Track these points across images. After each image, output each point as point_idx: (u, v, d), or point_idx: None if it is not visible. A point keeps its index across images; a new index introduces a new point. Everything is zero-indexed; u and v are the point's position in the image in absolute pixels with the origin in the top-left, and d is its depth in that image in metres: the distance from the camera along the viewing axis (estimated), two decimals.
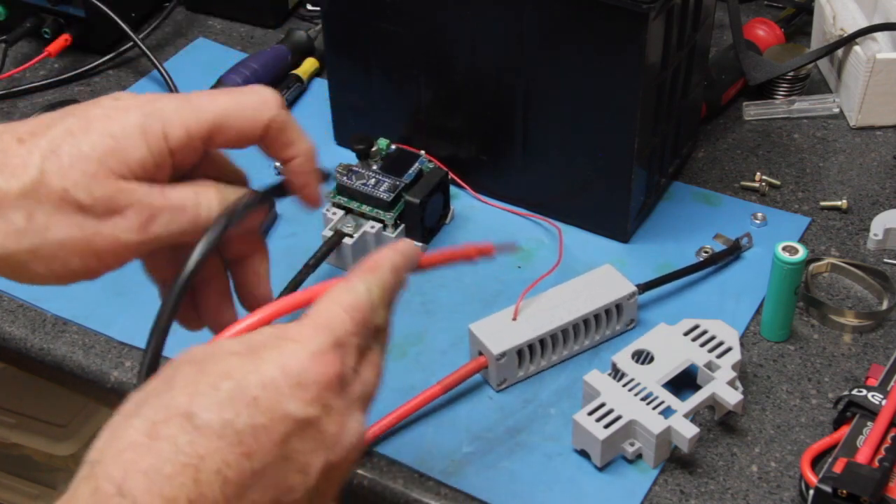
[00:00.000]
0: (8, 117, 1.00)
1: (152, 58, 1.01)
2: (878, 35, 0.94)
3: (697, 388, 0.70)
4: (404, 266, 0.50)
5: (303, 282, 0.78)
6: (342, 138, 0.94)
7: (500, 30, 0.78)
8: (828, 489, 0.62)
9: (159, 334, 0.49)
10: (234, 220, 0.51)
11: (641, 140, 0.79)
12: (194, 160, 0.50)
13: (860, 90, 0.93)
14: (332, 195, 0.84)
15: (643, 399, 0.68)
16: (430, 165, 0.85)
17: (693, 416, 0.69)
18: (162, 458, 0.37)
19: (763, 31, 1.03)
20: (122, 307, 0.80)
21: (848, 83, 0.96)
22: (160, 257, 0.53)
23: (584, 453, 0.68)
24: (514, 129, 0.83)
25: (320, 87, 1.01)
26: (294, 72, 1.00)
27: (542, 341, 0.73)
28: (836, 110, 0.97)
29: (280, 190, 0.55)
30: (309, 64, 1.02)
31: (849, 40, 0.95)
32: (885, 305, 0.78)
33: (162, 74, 1.01)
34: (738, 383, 0.70)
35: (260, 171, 0.93)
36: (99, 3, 1.01)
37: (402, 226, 0.83)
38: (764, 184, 0.89)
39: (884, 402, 0.67)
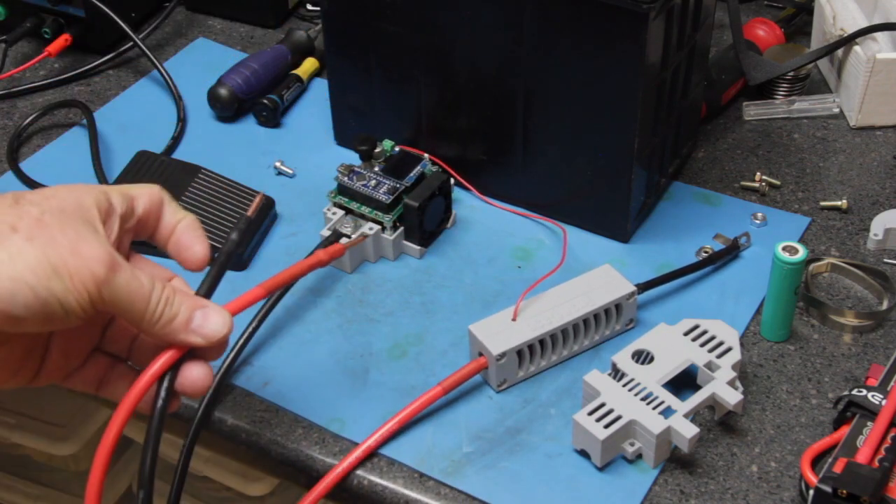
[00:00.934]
0: (8, 117, 1.00)
1: (152, 58, 1.01)
2: (878, 35, 0.95)
3: (697, 388, 0.70)
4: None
5: (297, 280, 0.78)
6: (342, 138, 0.94)
7: (501, 30, 0.78)
8: (828, 489, 0.62)
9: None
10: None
11: (641, 140, 0.79)
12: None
13: (860, 90, 0.93)
14: (333, 195, 0.84)
15: (643, 399, 0.68)
16: (433, 168, 0.85)
17: (693, 416, 0.69)
18: None
19: (763, 31, 1.03)
20: None
21: (848, 83, 0.96)
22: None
23: (584, 453, 0.68)
24: (515, 130, 0.83)
25: (320, 87, 1.01)
26: (294, 72, 1.01)
27: (541, 341, 0.73)
28: (836, 110, 0.97)
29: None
30: (309, 64, 1.02)
31: (849, 40, 0.95)
32: (885, 305, 0.78)
33: (162, 74, 1.01)
34: (738, 383, 0.70)
35: (259, 171, 0.93)
36: (99, 3, 1.01)
37: (401, 228, 0.83)
38: (764, 184, 0.89)
39: (884, 402, 0.66)
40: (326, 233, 0.82)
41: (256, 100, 0.97)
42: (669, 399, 0.68)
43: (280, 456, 0.71)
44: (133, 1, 1.08)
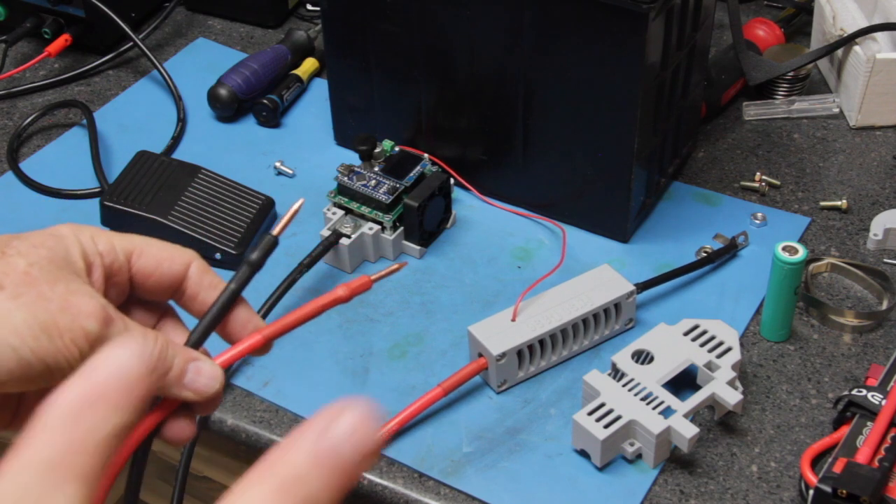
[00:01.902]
0: (8, 117, 1.00)
1: (152, 58, 1.01)
2: (878, 35, 0.95)
3: (697, 388, 0.70)
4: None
5: (296, 280, 0.78)
6: (342, 138, 0.94)
7: (501, 30, 0.78)
8: (827, 489, 0.62)
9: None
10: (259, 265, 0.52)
11: (641, 140, 0.79)
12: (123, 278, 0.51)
13: (860, 90, 0.93)
14: (333, 195, 0.84)
15: (643, 399, 0.68)
16: (433, 168, 0.85)
17: (693, 416, 0.69)
18: None
19: (763, 31, 1.03)
20: None
21: (848, 83, 0.96)
22: None
23: (584, 453, 0.68)
24: (515, 130, 0.83)
25: (320, 87, 1.01)
26: (294, 72, 1.01)
27: (541, 342, 0.73)
28: (836, 110, 0.97)
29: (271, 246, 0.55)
30: (309, 64, 1.02)
31: (849, 40, 0.95)
32: (884, 305, 0.78)
33: (162, 74, 1.01)
34: (737, 383, 0.70)
35: (259, 171, 0.93)
36: (99, 3, 1.01)
37: (401, 228, 0.83)
38: (764, 184, 0.89)
39: (884, 402, 0.67)
40: (326, 233, 0.82)
41: (256, 100, 0.97)
42: (669, 399, 0.68)
43: None
44: (133, 1, 1.08)
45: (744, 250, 0.83)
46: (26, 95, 1.02)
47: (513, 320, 0.73)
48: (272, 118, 0.97)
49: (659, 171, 0.86)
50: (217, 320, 0.52)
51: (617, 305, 0.75)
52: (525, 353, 0.73)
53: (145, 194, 0.84)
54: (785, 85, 0.99)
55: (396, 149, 0.87)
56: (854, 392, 0.68)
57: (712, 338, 0.72)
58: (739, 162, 0.92)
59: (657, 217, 0.87)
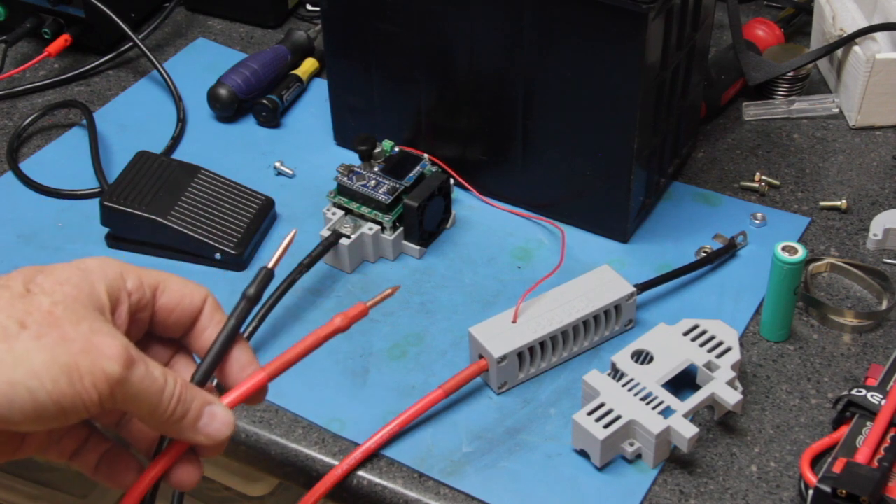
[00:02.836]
0: (8, 117, 1.00)
1: (152, 58, 1.01)
2: (878, 35, 0.95)
3: (697, 388, 0.70)
4: None
5: (296, 280, 0.78)
6: (342, 138, 0.94)
7: (500, 30, 0.78)
8: (827, 489, 0.62)
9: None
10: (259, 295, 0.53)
11: (641, 140, 0.79)
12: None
13: (860, 90, 0.93)
14: (332, 195, 0.84)
15: (643, 399, 0.68)
16: (433, 168, 0.85)
17: (692, 416, 0.69)
18: None
19: (763, 31, 1.03)
20: None
21: (847, 83, 0.96)
22: None
23: (583, 453, 0.68)
24: (514, 130, 0.83)
25: (320, 87, 1.01)
26: (294, 72, 1.01)
27: (542, 343, 0.73)
28: (836, 110, 0.97)
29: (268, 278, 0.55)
30: (309, 64, 1.02)
31: (848, 40, 0.95)
32: (884, 305, 0.78)
33: (162, 74, 1.01)
34: (737, 383, 0.70)
35: (259, 171, 0.93)
36: (99, 4, 1.01)
37: (401, 228, 0.83)
38: (763, 184, 0.89)
39: (883, 402, 0.67)
40: (326, 233, 0.82)
41: (256, 100, 0.97)
42: (669, 399, 0.68)
43: (280, 456, 0.71)
44: (133, 1, 1.08)
45: (743, 250, 0.83)
46: (26, 95, 1.02)
47: (513, 322, 0.73)
48: (272, 118, 0.97)
49: (659, 171, 0.86)
50: (220, 356, 0.52)
51: (617, 307, 0.75)
52: (525, 354, 0.73)
53: (145, 194, 0.84)
54: (785, 85, 0.99)
55: (396, 149, 0.87)
56: (853, 392, 0.68)
57: (712, 338, 0.72)
58: (739, 162, 0.92)
59: (657, 217, 0.87)
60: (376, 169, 0.84)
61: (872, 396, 0.67)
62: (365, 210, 0.82)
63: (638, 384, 0.69)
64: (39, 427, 0.45)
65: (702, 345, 0.72)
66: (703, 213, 0.87)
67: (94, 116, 0.97)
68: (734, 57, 0.97)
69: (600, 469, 0.68)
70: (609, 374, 0.70)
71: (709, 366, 0.71)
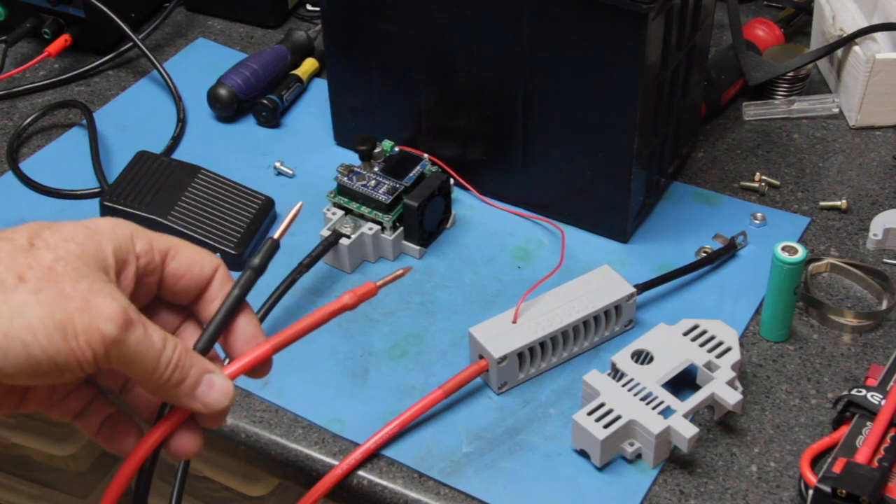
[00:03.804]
0: (8, 117, 1.00)
1: (152, 58, 1.01)
2: (878, 35, 0.95)
3: (697, 388, 0.70)
4: None
5: (296, 280, 0.78)
6: (342, 138, 0.94)
7: (500, 30, 0.78)
8: (827, 489, 0.62)
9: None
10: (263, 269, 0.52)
11: (641, 140, 0.79)
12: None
13: (860, 90, 0.93)
14: (332, 195, 0.84)
15: (643, 399, 0.68)
16: (433, 168, 0.85)
17: (692, 416, 0.69)
18: None
19: (763, 31, 1.03)
20: None
21: (847, 83, 0.96)
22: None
23: (583, 453, 0.68)
24: (514, 130, 0.83)
25: (320, 87, 1.01)
26: (294, 72, 1.01)
27: (542, 344, 0.73)
28: (836, 110, 0.97)
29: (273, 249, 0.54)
30: (309, 64, 1.02)
31: (848, 40, 0.95)
32: (884, 305, 0.78)
33: (162, 74, 1.01)
34: (737, 383, 0.70)
35: (259, 171, 0.93)
36: (99, 4, 1.01)
37: (401, 228, 0.83)
38: (763, 184, 0.89)
39: (883, 402, 0.67)
40: (326, 233, 0.82)
41: (256, 100, 0.97)
42: (669, 399, 0.68)
43: (280, 456, 0.71)
44: (133, 1, 1.08)
45: (743, 250, 0.83)
46: (26, 95, 1.02)
47: (514, 322, 0.73)
48: (272, 118, 0.97)
49: (659, 171, 0.86)
50: (223, 326, 0.51)
51: (617, 307, 0.75)
52: (526, 355, 0.73)
53: (145, 194, 0.84)
54: (785, 85, 0.99)
55: (396, 149, 0.87)
56: (853, 392, 0.68)
57: (712, 338, 0.72)
58: (739, 162, 0.92)
59: (657, 217, 0.87)
60: (376, 169, 0.84)
61: (872, 396, 0.67)
62: (365, 210, 0.82)
63: (638, 384, 0.69)
64: (34, 381, 0.45)
65: (702, 345, 0.72)
66: (703, 213, 0.87)
67: (94, 116, 0.97)
68: (734, 57, 0.97)
69: (600, 469, 0.68)
70: (609, 374, 0.70)
71: (709, 366, 0.71)
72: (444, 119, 0.87)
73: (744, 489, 0.67)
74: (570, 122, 0.80)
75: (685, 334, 0.72)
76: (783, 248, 0.72)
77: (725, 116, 0.98)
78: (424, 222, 0.83)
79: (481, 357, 0.72)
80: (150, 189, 0.85)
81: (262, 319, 0.76)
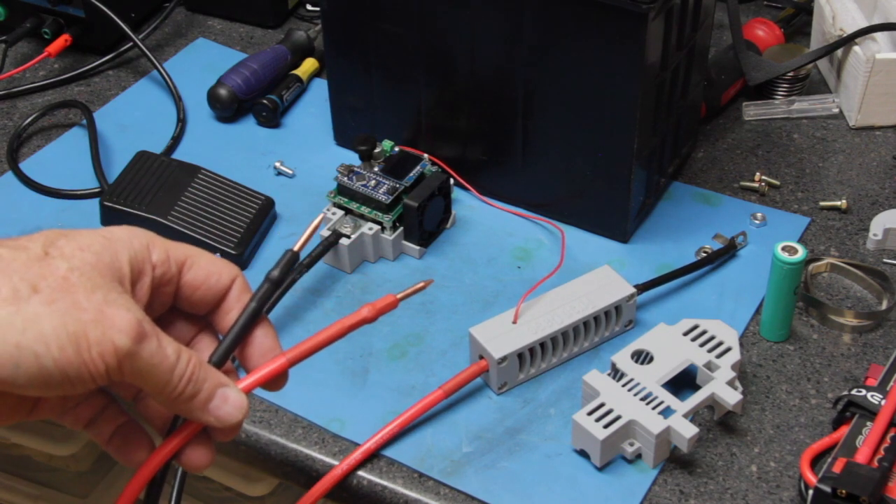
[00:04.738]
0: (8, 117, 1.00)
1: (152, 58, 1.01)
2: (878, 35, 0.95)
3: (697, 388, 0.70)
4: None
5: (296, 280, 0.78)
6: (342, 138, 0.94)
7: (500, 30, 0.78)
8: (827, 489, 0.62)
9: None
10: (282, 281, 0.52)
11: (641, 140, 0.79)
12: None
13: (860, 90, 0.93)
14: (332, 195, 0.84)
15: (643, 399, 0.68)
16: (433, 168, 0.85)
17: (692, 416, 0.69)
18: None
19: (763, 31, 1.03)
20: None
21: (847, 83, 0.96)
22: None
23: (583, 453, 0.68)
24: (514, 130, 0.83)
25: (320, 87, 1.01)
26: (294, 72, 1.01)
27: (542, 344, 0.73)
28: (836, 110, 0.97)
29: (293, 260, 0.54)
30: (309, 64, 1.02)
31: (848, 40, 0.95)
32: (884, 305, 0.78)
33: (162, 74, 1.01)
34: (737, 383, 0.70)
35: (259, 171, 0.93)
36: (99, 4, 1.01)
37: (401, 228, 0.83)
38: (763, 184, 0.89)
39: (883, 402, 0.67)
40: (326, 233, 0.82)
41: (256, 100, 0.97)
42: (669, 399, 0.68)
43: (280, 456, 0.71)
44: (133, 1, 1.08)
45: (743, 250, 0.83)
46: (26, 95, 1.02)
47: (514, 322, 0.73)
48: (272, 118, 0.97)
49: (659, 171, 0.86)
50: (239, 339, 0.51)
51: (617, 307, 0.75)
52: (526, 355, 0.73)
53: (145, 194, 0.84)
54: (785, 85, 0.99)
55: (396, 149, 0.87)
56: (853, 392, 0.68)
57: (712, 338, 0.72)
58: (739, 162, 0.92)
59: (657, 217, 0.87)
60: (376, 169, 0.84)
61: (872, 396, 0.67)
62: (365, 210, 0.82)
63: (638, 384, 0.69)
64: (45, 393, 0.44)
65: (702, 345, 0.72)
66: (703, 213, 0.87)
67: (94, 116, 0.97)
68: (734, 57, 0.97)
69: (600, 469, 0.68)
70: (609, 374, 0.70)
71: (709, 366, 0.71)
72: (444, 119, 0.87)
73: (744, 489, 0.67)
74: (570, 122, 0.80)
75: (685, 334, 0.72)
76: (783, 248, 0.72)
77: (725, 116, 0.98)
78: (424, 222, 0.83)
79: (481, 357, 0.72)
80: (150, 189, 0.85)
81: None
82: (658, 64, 0.78)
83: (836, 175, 0.91)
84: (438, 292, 0.81)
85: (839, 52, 0.97)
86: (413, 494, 0.67)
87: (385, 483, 0.68)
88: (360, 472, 0.69)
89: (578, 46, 0.76)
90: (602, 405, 0.68)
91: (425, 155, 0.86)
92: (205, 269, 0.51)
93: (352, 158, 0.90)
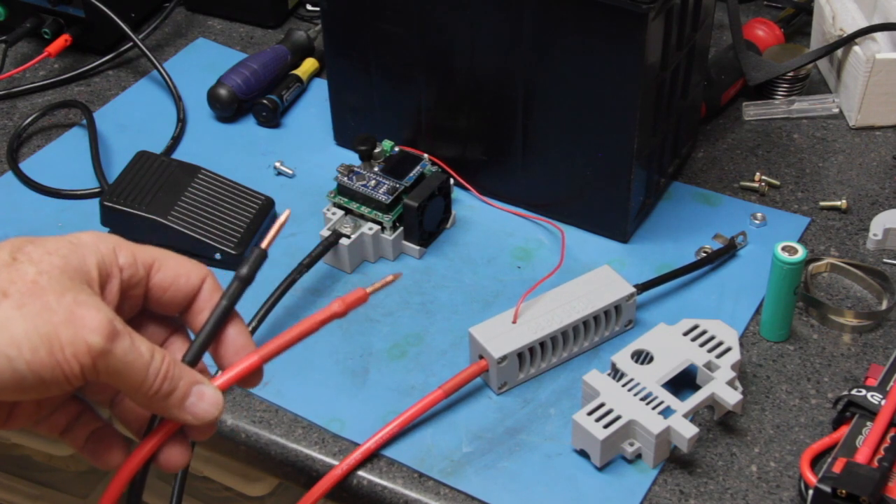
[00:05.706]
0: (8, 117, 1.00)
1: (152, 58, 1.01)
2: (878, 35, 0.95)
3: (697, 388, 0.70)
4: None
5: (296, 281, 0.78)
6: (342, 138, 0.94)
7: (500, 30, 0.78)
8: (827, 489, 0.62)
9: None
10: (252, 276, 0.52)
11: (641, 140, 0.79)
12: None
13: (860, 90, 0.93)
14: (332, 195, 0.84)
15: (643, 399, 0.68)
16: (433, 168, 0.85)
17: (692, 416, 0.69)
18: None
19: (763, 31, 1.03)
20: None
21: (847, 83, 0.96)
22: None
23: (583, 453, 0.68)
24: (514, 130, 0.83)
25: (320, 87, 1.01)
26: (294, 72, 1.01)
27: (542, 344, 0.73)
28: (836, 110, 0.97)
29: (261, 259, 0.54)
30: (309, 64, 1.02)
31: (848, 40, 0.95)
32: (884, 305, 0.78)
33: (162, 74, 1.01)
34: (737, 383, 0.70)
35: (259, 171, 0.93)
36: (99, 4, 1.01)
37: (401, 228, 0.83)
38: (763, 184, 0.89)
39: (883, 402, 0.67)
40: (326, 233, 0.82)
41: (256, 100, 0.97)
42: (669, 399, 0.68)
43: (280, 456, 0.71)
44: (133, 1, 1.08)
45: (743, 250, 0.83)
46: (26, 95, 1.02)
47: (513, 322, 0.73)
48: (272, 118, 0.97)
49: (659, 171, 0.86)
50: (211, 337, 0.51)
51: (617, 307, 0.75)
52: (526, 355, 0.73)
53: (145, 194, 0.84)
54: (785, 85, 0.99)
55: (396, 149, 0.87)
56: (853, 392, 0.68)
57: (712, 338, 0.72)
58: (739, 162, 0.92)
59: (657, 217, 0.87)
60: (376, 169, 0.84)
61: (872, 396, 0.67)
62: (365, 210, 0.82)
63: (638, 384, 0.69)
64: (20, 397, 0.44)
65: (702, 345, 0.72)
66: (703, 213, 0.87)
67: (94, 116, 0.97)
68: (734, 57, 0.97)
69: (600, 469, 0.68)
70: (609, 374, 0.70)
71: (709, 366, 0.71)
72: (444, 119, 0.87)
73: (744, 489, 0.67)
74: (570, 122, 0.80)
75: (685, 334, 0.72)
76: (783, 248, 0.72)
77: (725, 116, 0.98)
78: (424, 222, 0.82)
79: (481, 357, 0.72)
80: (150, 189, 0.85)
81: (262, 320, 0.76)
82: (658, 64, 0.78)
83: (836, 175, 0.91)
84: (438, 292, 0.81)
85: (839, 52, 0.97)
86: (413, 494, 0.67)
87: (385, 483, 0.68)
88: (360, 472, 0.69)
89: (578, 46, 0.76)
90: (602, 405, 0.68)
91: (425, 155, 0.86)
92: (173, 270, 0.51)
93: (352, 158, 0.90)
